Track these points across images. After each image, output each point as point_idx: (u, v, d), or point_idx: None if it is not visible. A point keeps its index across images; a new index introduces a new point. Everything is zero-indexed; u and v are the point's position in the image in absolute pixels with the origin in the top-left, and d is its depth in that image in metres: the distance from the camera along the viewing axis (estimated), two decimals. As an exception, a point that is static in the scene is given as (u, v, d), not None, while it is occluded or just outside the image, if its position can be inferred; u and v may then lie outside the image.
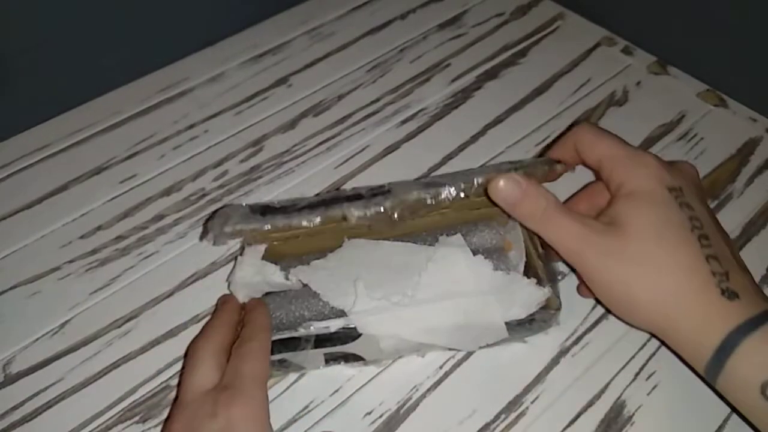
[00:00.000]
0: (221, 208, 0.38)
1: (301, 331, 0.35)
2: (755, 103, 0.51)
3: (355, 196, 0.36)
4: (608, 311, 0.39)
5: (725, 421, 0.36)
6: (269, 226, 0.35)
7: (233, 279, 0.37)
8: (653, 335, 0.35)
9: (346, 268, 0.37)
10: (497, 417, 0.36)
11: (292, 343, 0.35)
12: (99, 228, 0.45)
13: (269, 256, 0.37)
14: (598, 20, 0.58)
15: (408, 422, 0.36)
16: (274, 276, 0.36)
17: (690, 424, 0.36)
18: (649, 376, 0.37)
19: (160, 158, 0.49)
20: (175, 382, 0.38)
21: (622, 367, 0.38)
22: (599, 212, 0.34)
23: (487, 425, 0.36)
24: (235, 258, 0.38)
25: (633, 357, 0.38)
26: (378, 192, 0.36)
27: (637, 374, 0.38)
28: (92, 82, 0.53)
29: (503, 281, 0.36)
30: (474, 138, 0.50)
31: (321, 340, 0.35)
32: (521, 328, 0.36)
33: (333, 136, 0.50)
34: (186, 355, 0.34)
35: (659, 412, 0.36)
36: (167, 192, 0.47)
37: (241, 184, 0.47)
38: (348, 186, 0.47)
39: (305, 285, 0.36)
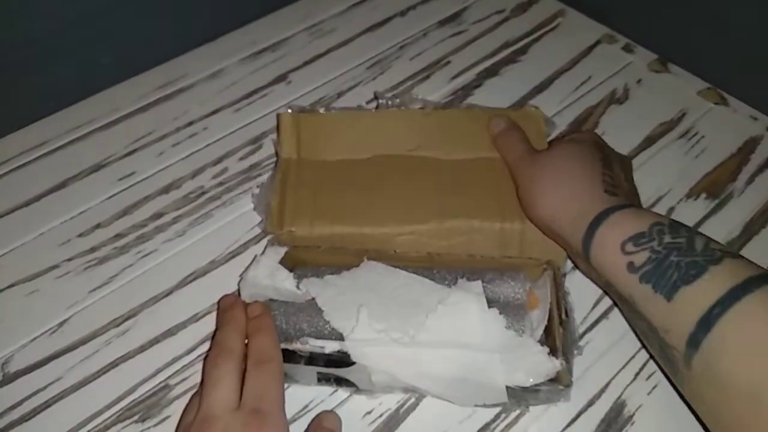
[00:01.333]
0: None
1: (296, 345, 0.34)
2: (756, 102, 0.50)
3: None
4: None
5: (725, 421, 0.36)
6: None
7: (246, 276, 0.37)
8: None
9: (355, 291, 0.36)
10: (497, 417, 0.36)
11: (287, 355, 0.34)
12: (98, 226, 0.45)
13: (287, 262, 0.37)
14: (598, 18, 0.58)
15: (408, 422, 0.36)
16: (285, 283, 0.36)
17: (690, 424, 0.35)
18: (649, 376, 0.37)
19: (159, 155, 0.49)
20: (174, 381, 0.38)
21: (622, 367, 0.38)
22: None
23: (487, 425, 0.36)
24: (255, 257, 0.38)
25: (633, 357, 0.38)
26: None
27: (637, 374, 0.37)
28: (91, 78, 0.53)
29: (513, 342, 0.33)
30: (474, 136, 0.50)
31: (314, 359, 0.34)
32: (525, 395, 0.34)
33: (333, 134, 0.50)
34: (204, 370, 0.33)
35: (659, 412, 0.36)
36: (166, 190, 0.47)
37: (240, 182, 0.47)
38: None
39: (312, 299, 0.36)
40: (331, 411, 0.35)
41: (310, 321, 0.35)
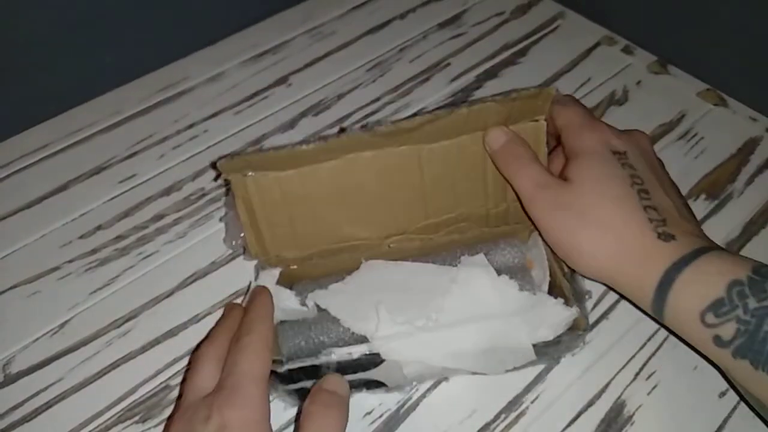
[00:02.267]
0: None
1: (323, 359, 0.33)
2: (755, 103, 0.51)
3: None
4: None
5: (725, 421, 0.36)
6: (270, 150, 0.34)
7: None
8: (607, 286, 0.37)
9: (365, 292, 0.35)
10: (497, 417, 0.36)
11: (313, 372, 0.33)
12: (99, 228, 0.45)
13: (283, 280, 0.36)
14: (598, 19, 0.58)
15: (408, 422, 0.36)
16: (289, 302, 0.35)
17: (690, 424, 0.36)
18: (649, 376, 0.37)
19: (160, 158, 0.49)
20: (175, 381, 0.38)
21: (622, 367, 0.38)
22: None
23: (487, 425, 0.36)
24: (249, 284, 0.37)
25: (633, 357, 0.38)
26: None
27: (637, 374, 0.37)
28: (92, 81, 0.53)
29: (530, 302, 0.34)
30: (474, 137, 0.50)
31: (342, 368, 0.34)
32: (548, 349, 0.35)
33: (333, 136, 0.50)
34: (190, 361, 0.34)
35: (659, 412, 0.36)
36: (167, 192, 0.47)
37: (240, 184, 0.47)
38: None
39: (322, 310, 0.35)
40: (336, 374, 0.33)
41: (328, 332, 0.35)
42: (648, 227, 0.32)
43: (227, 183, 0.37)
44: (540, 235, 0.35)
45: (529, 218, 0.36)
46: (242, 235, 0.37)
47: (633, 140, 0.37)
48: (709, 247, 0.32)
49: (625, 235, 0.32)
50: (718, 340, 0.29)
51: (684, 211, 0.35)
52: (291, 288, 0.36)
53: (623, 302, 0.40)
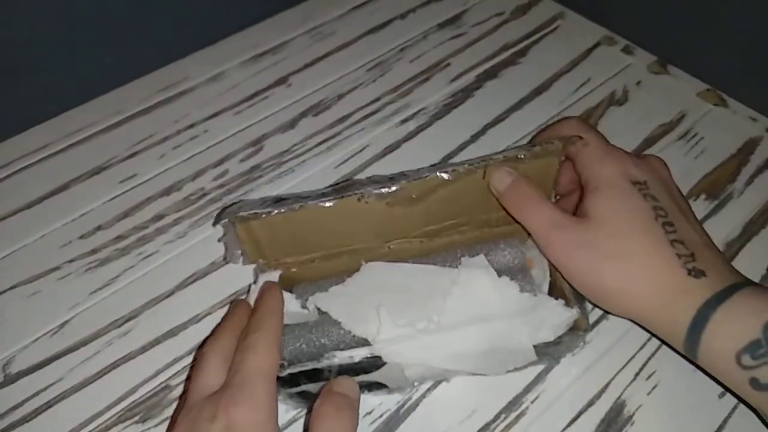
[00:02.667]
0: (233, 204, 0.37)
1: (324, 362, 0.33)
2: (755, 103, 0.51)
3: (370, 182, 0.35)
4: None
5: (725, 421, 0.36)
6: (284, 210, 0.34)
7: None
8: (634, 322, 0.35)
9: (366, 294, 0.35)
10: (497, 417, 0.36)
11: (315, 375, 0.33)
12: (99, 228, 0.45)
13: (283, 283, 0.36)
14: (598, 19, 0.58)
15: (408, 422, 0.36)
16: (289, 305, 0.35)
17: (690, 424, 0.36)
18: (649, 376, 0.37)
19: (160, 158, 0.49)
20: (175, 381, 0.38)
21: (622, 367, 0.38)
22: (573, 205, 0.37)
23: (487, 425, 0.36)
24: (249, 287, 0.37)
25: (633, 357, 0.38)
26: (393, 177, 0.35)
27: (637, 374, 0.37)
28: (92, 81, 0.53)
29: (530, 303, 0.34)
30: (474, 137, 0.50)
31: (344, 371, 0.34)
32: (549, 349, 0.35)
33: (333, 136, 0.50)
34: (194, 358, 0.33)
35: (659, 412, 0.36)
36: (167, 192, 0.47)
37: (241, 184, 0.47)
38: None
39: (322, 313, 0.35)
40: (347, 377, 0.32)
41: (329, 335, 0.35)
42: (677, 263, 0.31)
43: (224, 209, 0.37)
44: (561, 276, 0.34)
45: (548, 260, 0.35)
46: (241, 252, 0.37)
47: (651, 167, 0.35)
48: (742, 284, 0.30)
49: (654, 273, 0.31)
50: (755, 383, 0.28)
51: (709, 243, 0.33)
52: (291, 291, 0.36)
53: (623, 302, 0.40)
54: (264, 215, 0.34)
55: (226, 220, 0.34)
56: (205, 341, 0.34)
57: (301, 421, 0.36)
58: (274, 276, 0.36)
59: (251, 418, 0.28)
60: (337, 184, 0.37)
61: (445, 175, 0.35)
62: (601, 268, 0.32)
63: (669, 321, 0.31)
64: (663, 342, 0.34)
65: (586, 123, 0.37)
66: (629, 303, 0.32)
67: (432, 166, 0.37)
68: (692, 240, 0.32)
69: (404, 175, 0.35)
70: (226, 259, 0.36)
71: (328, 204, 0.34)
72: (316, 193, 0.36)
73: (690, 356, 0.31)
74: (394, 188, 0.34)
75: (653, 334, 0.34)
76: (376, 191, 0.34)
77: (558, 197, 0.40)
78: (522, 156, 0.35)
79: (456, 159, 0.48)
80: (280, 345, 0.31)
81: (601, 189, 0.34)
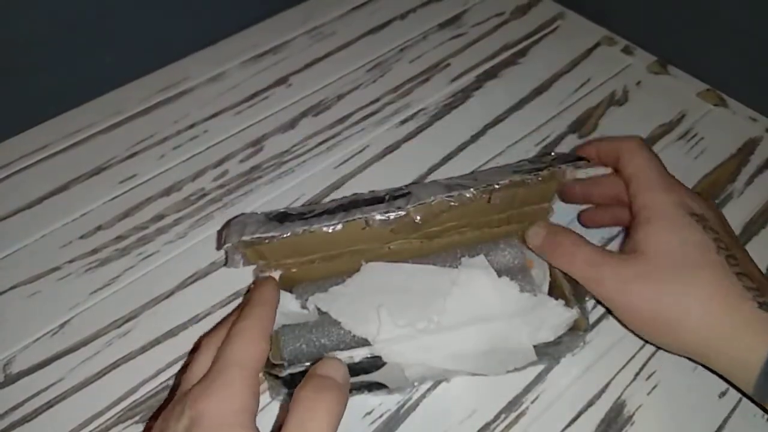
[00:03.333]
0: (235, 217, 0.37)
1: None
2: (755, 103, 0.51)
3: (375, 200, 0.35)
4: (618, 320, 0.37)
5: (725, 421, 0.36)
6: (289, 233, 0.34)
7: None
8: (695, 361, 0.33)
9: (366, 294, 0.35)
10: (497, 417, 0.36)
11: None
12: (99, 228, 0.45)
13: (284, 283, 0.36)
14: (598, 20, 0.58)
15: (408, 422, 0.36)
16: (290, 305, 0.35)
17: (690, 424, 0.36)
18: (649, 376, 0.37)
19: (160, 158, 0.49)
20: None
21: (622, 367, 0.38)
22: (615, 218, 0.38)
23: (487, 425, 0.36)
24: (248, 288, 0.37)
25: (633, 357, 0.38)
26: (398, 194, 0.35)
27: (637, 374, 0.37)
28: (92, 82, 0.53)
29: (530, 303, 0.34)
30: (474, 138, 0.50)
31: None
32: (549, 349, 0.35)
33: (333, 136, 0.50)
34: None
35: (659, 412, 0.36)
36: (167, 192, 0.47)
37: (241, 184, 0.47)
38: (351, 184, 0.47)
39: (323, 313, 0.35)
40: (334, 358, 0.30)
41: (329, 335, 0.35)
42: (746, 296, 0.29)
43: (227, 224, 0.37)
44: (617, 320, 0.34)
45: (600, 303, 0.35)
46: (241, 255, 0.37)
47: (708, 203, 0.33)
48: None
49: (721, 305, 0.29)
50: None
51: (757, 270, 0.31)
52: (291, 291, 0.36)
53: (623, 302, 0.40)
54: (267, 240, 0.34)
55: (230, 244, 0.34)
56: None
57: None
58: (274, 276, 0.36)
59: (220, 408, 0.26)
60: (342, 199, 0.37)
61: (450, 201, 0.35)
62: (659, 300, 0.30)
63: (739, 359, 0.28)
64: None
65: (646, 146, 0.36)
66: (693, 339, 0.30)
67: (434, 181, 0.37)
68: (756, 274, 0.30)
69: (410, 194, 0.35)
70: (226, 265, 0.36)
71: (332, 229, 0.34)
72: (319, 209, 0.35)
73: (758, 398, 0.29)
74: (399, 214, 0.34)
75: (719, 375, 0.32)
76: (381, 217, 0.34)
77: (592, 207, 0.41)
78: (528, 180, 0.35)
79: (455, 159, 0.48)
80: (269, 334, 0.30)
81: (656, 219, 0.32)
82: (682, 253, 0.30)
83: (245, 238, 0.34)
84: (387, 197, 0.35)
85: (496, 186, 0.35)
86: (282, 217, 0.35)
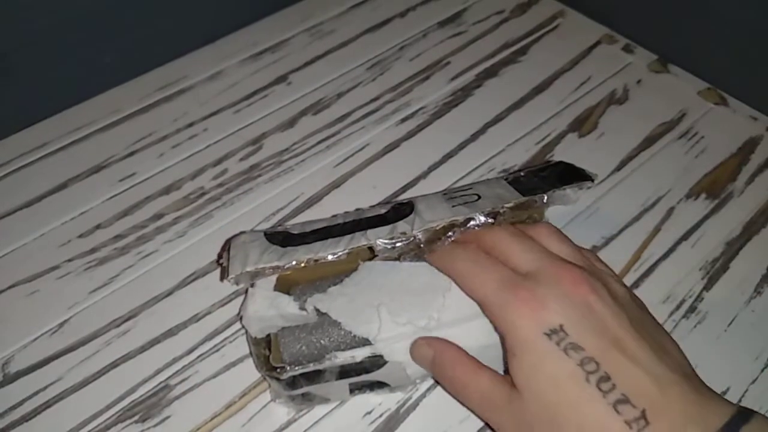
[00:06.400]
0: (235, 236, 0.36)
1: (326, 363, 0.33)
2: (756, 102, 0.50)
3: (377, 219, 0.35)
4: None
5: (725, 420, 0.36)
6: (294, 262, 0.33)
7: (246, 314, 0.35)
8: None
9: (365, 294, 0.35)
10: (497, 417, 0.36)
11: (316, 376, 0.33)
12: (98, 227, 0.45)
13: (280, 285, 0.36)
14: (598, 18, 0.58)
15: (408, 422, 0.36)
16: (289, 307, 0.34)
17: (690, 424, 0.36)
18: (650, 376, 0.37)
19: (160, 157, 0.49)
20: (174, 381, 0.38)
21: (623, 367, 0.38)
22: None
23: (487, 425, 0.36)
24: (246, 290, 0.36)
25: (633, 356, 0.38)
26: (400, 211, 0.35)
27: (638, 374, 0.37)
28: (91, 80, 0.53)
29: None
30: (474, 136, 0.50)
31: (345, 371, 0.34)
32: None
33: (332, 135, 0.50)
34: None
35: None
36: (166, 191, 0.47)
37: (240, 183, 0.47)
38: (351, 183, 0.47)
39: (321, 314, 0.35)
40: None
41: (330, 336, 0.34)
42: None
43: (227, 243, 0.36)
44: None
45: None
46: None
47: (564, 290, 0.28)
48: (732, 422, 0.25)
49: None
50: None
51: (665, 358, 0.27)
52: (288, 293, 0.36)
53: (623, 302, 0.40)
54: (269, 270, 0.33)
55: (233, 277, 0.33)
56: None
57: (301, 421, 0.36)
58: (272, 279, 0.36)
59: None
60: (344, 216, 0.37)
61: (456, 231, 0.34)
62: None
63: None
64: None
65: (473, 232, 0.32)
66: None
67: (435, 196, 0.37)
68: (639, 387, 0.26)
69: (413, 212, 0.35)
70: (222, 279, 0.35)
71: (336, 257, 0.33)
72: (321, 229, 0.35)
73: None
74: (405, 242, 0.34)
75: None
76: (388, 245, 0.33)
77: None
78: (536, 201, 0.35)
79: (455, 158, 0.48)
80: None
81: (515, 353, 0.28)
82: (552, 393, 0.27)
83: (249, 269, 0.33)
84: (389, 213, 0.35)
85: (501, 210, 0.34)
86: (283, 240, 0.35)
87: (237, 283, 0.34)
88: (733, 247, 0.43)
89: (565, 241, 0.32)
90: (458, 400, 0.32)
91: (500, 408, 0.29)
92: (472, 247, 0.32)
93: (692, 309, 0.40)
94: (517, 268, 0.30)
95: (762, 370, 0.37)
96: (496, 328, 0.30)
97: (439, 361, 0.31)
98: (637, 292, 0.40)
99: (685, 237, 0.43)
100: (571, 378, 0.26)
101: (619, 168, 0.47)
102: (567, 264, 0.30)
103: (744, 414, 0.25)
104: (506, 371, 0.30)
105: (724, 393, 0.36)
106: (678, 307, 0.40)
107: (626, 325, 0.28)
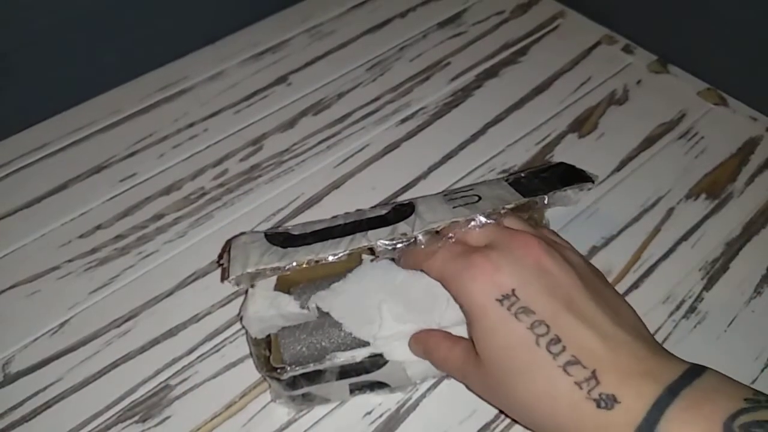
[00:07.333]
0: (236, 237, 0.36)
1: (327, 363, 0.33)
2: (756, 102, 0.51)
3: (378, 220, 0.34)
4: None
5: (725, 420, 0.36)
6: (295, 263, 0.33)
7: (246, 314, 0.35)
8: None
9: (367, 292, 0.35)
10: (497, 417, 0.36)
11: (316, 376, 0.33)
12: (98, 227, 0.45)
13: (281, 284, 0.36)
14: (598, 18, 0.58)
15: (408, 422, 0.36)
16: (289, 306, 0.34)
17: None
18: (650, 376, 0.37)
19: (160, 157, 0.49)
20: (174, 381, 0.38)
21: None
22: None
23: (487, 425, 0.36)
24: (246, 291, 0.36)
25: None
26: (401, 212, 0.35)
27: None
28: (92, 80, 0.53)
29: None
30: (474, 137, 0.50)
31: (346, 371, 0.34)
32: None
33: (333, 135, 0.50)
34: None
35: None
36: (167, 191, 0.47)
37: (240, 183, 0.47)
38: (351, 183, 0.47)
39: (323, 313, 0.35)
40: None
41: (330, 337, 0.34)
42: (579, 396, 0.25)
43: (227, 244, 0.36)
44: None
45: None
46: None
47: (516, 255, 0.29)
48: (670, 390, 0.24)
49: (557, 418, 0.26)
50: None
51: (618, 320, 0.27)
52: (289, 292, 0.36)
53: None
54: (270, 271, 0.33)
55: (234, 278, 0.33)
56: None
57: (301, 421, 0.36)
58: (272, 279, 0.36)
59: None
60: (345, 216, 0.36)
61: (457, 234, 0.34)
62: (508, 410, 0.29)
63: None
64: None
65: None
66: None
67: (435, 197, 0.36)
68: (589, 347, 0.26)
69: (414, 213, 0.34)
70: (223, 280, 0.35)
71: (337, 258, 0.33)
72: (322, 230, 0.35)
73: None
74: (405, 243, 0.33)
75: None
76: (388, 247, 0.33)
77: None
78: (536, 203, 0.35)
79: (455, 158, 0.48)
80: None
81: (471, 319, 0.29)
82: (505, 357, 0.27)
83: (249, 270, 0.33)
84: (390, 214, 0.35)
85: (502, 211, 0.34)
86: (284, 241, 0.35)
87: (237, 285, 0.34)
88: (733, 248, 0.43)
89: (520, 220, 0.33)
90: (451, 377, 0.33)
91: (471, 374, 0.30)
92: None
93: (692, 309, 0.40)
94: (474, 243, 0.31)
95: (762, 370, 0.37)
96: (455, 300, 0.30)
97: (426, 347, 0.32)
98: (637, 292, 0.41)
99: (685, 237, 0.43)
100: (521, 343, 0.26)
101: (619, 168, 0.47)
102: (520, 233, 0.30)
103: (696, 369, 0.25)
104: None
105: (724, 393, 0.36)
106: (678, 307, 0.40)
107: (578, 286, 0.28)
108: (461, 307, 0.30)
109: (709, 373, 0.25)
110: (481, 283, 0.28)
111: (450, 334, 0.33)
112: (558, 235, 0.35)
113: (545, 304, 0.27)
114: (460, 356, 0.30)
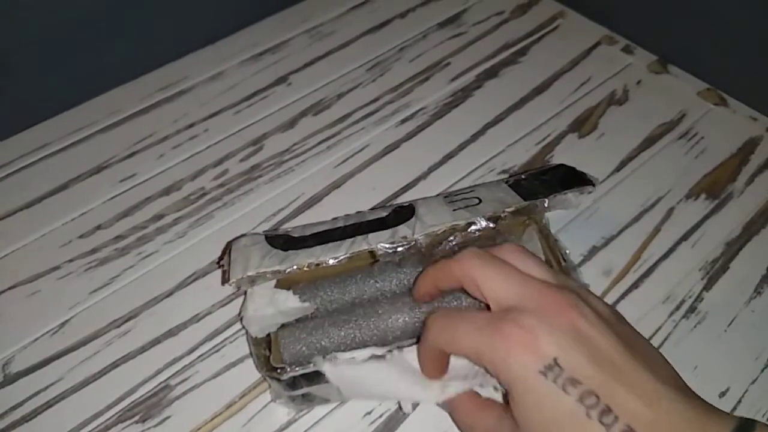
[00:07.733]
0: (236, 240, 0.36)
1: (327, 365, 0.32)
2: (756, 102, 0.51)
3: (378, 222, 0.34)
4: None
5: (725, 420, 0.36)
6: (295, 267, 0.33)
7: (246, 314, 0.35)
8: None
9: (372, 376, 0.33)
10: (497, 417, 0.36)
11: (317, 377, 0.33)
12: (98, 227, 0.45)
13: (281, 283, 0.36)
14: (598, 19, 0.58)
15: (408, 422, 0.36)
16: (288, 302, 0.34)
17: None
18: (650, 376, 0.37)
19: (160, 157, 0.49)
20: (175, 381, 0.38)
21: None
22: None
23: (487, 425, 0.36)
24: (245, 292, 0.36)
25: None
26: (401, 215, 0.35)
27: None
28: (92, 80, 0.53)
29: None
30: (474, 137, 0.50)
31: None
32: None
33: (333, 135, 0.50)
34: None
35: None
36: (167, 191, 0.47)
37: (240, 183, 0.47)
38: (351, 183, 0.47)
39: (322, 313, 0.34)
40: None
41: (330, 337, 0.34)
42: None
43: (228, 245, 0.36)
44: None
45: None
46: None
47: (550, 318, 0.27)
48: None
49: None
50: None
51: (658, 375, 0.26)
52: (289, 289, 0.36)
53: (622, 301, 0.40)
54: (271, 274, 0.33)
55: (234, 281, 0.33)
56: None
57: (301, 421, 0.36)
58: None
59: None
60: (345, 218, 0.36)
61: (457, 236, 0.34)
62: None
63: None
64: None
65: (486, 256, 0.30)
66: None
67: (435, 199, 0.36)
68: (641, 414, 0.25)
69: (414, 216, 0.34)
70: (224, 283, 0.35)
71: (338, 262, 0.33)
72: (322, 232, 0.35)
73: None
74: (406, 246, 0.33)
75: None
76: (389, 250, 0.33)
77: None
78: (537, 206, 0.35)
79: (455, 159, 0.48)
80: None
81: (514, 396, 0.27)
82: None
83: (250, 273, 0.33)
84: (390, 216, 0.35)
85: (503, 215, 0.34)
86: (285, 243, 0.34)
87: (238, 288, 0.34)
88: (733, 248, 0.43)
89: (537, 260, 0.31)
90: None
91: None
92: (440, 311, 0.31)
93: (692, 309, 0.40)
94: (497, 301, 0.29)
95: (762, 370, 0.37)
96: (490, 374, 0.28)
97: (450, 409, 0.32)
98: (637, 292, 0.41)
99: (685, 237, 0.43)
100: (572, 417, 0.25)
101: (619, 168, 0.47)
102: (548, 289, 0.28)
103: (747, 423, 0.25)
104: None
105: (724, 393, 0.36)
106: (678, 307, 0.40)
107: (617, 345, 0.27)
108: (498, 380, 0.28)
109: (760, 427, 0.25)
110: (520, 354, 0.26)
111: (478, 396, 0.31)
112: (568, 274, 0.34)
113: (590, 372, 0.26)
114: (493, 424, 0.29)
